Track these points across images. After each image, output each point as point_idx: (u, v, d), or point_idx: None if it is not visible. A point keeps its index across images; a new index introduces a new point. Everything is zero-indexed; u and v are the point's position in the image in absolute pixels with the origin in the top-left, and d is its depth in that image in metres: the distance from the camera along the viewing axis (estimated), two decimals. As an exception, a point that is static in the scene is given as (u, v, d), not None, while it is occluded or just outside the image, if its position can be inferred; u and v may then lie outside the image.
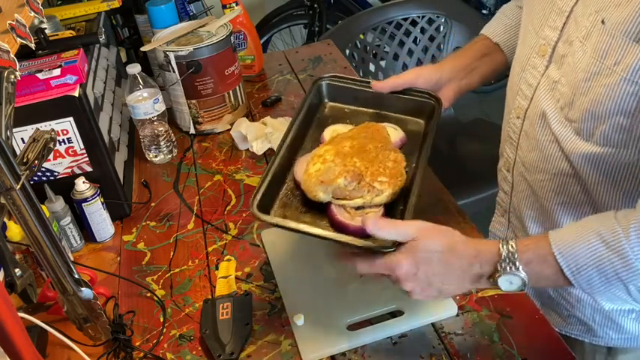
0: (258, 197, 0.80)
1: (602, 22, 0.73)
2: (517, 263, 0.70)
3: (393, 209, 0.82)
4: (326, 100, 1.01)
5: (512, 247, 0.71)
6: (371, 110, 1.00)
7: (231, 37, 1.35)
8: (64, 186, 1.06)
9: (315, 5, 2.78)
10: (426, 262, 0.73)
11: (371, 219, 0.73)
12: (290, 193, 0.86)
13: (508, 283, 0.71)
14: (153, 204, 1.19)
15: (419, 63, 2.03)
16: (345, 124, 0.96)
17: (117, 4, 1.35)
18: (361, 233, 0.76)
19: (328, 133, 0.94)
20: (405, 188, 0.82)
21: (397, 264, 0.73)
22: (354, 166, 0.80)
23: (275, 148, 1.26)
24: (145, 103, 1.25)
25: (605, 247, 0.68)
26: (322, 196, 0.80)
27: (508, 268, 0.71)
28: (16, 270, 0.68)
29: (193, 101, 1.35)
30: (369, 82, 0.99)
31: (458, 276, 0.74)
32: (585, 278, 0.69)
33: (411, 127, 0.97)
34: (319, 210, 0.82)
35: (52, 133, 0.75)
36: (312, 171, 0.81)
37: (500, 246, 0.72)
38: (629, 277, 0.68)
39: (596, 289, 0.70)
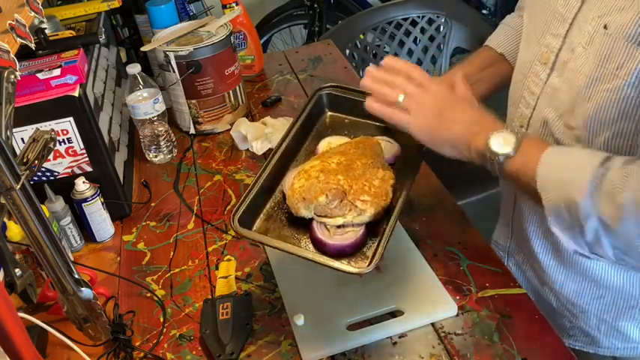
0: (241, 210, 0.80)
1: (605, 27, 0.72)
2: (516, 131, 0.75)
3: (376, 227, 0.82)
4: (326, 110, 1.01)
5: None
6: (371, 122, 0.99)
7: (231, 37, 1.35)
8: (64, 186, 1.06)
9: (315, 5, 2.78)
10: (437, 82, 0.82)
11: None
12: (277, 205, 0.86)
13: (499, 144, 0.75)
14: (153, 204, 1.19)
15: (419, 63, 2.03)
16: (342, 136, 0.96)
17: (117, 4, 1.35)
18: (339, 252, 0.77)
19: (323, 145, 0.93)
20: (390, 207, 0.82)
21: (413, 67, 0.83)
22: (337, 184, 0.80)
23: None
24: (145, 103, 1.25)
25: (589, 165, 0.70)
26: (304, 212, 0.81)
27: (506, 131, 0.75)
28: (16, 270, 0.68)
29: (193, 101, 1.36)
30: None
31: (465, 107, 0.81)
32: (550, 188, 0.72)
33: (409, 140, 0.96)
34: (303, 224, 0.82)
35: (52, 133, 0.75)
36: (297, 187, 0.81)
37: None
38: (585, 213, 0.69)
39: (553, 210, 0.72)
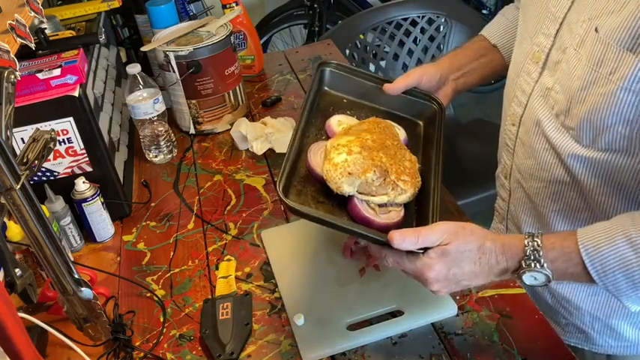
0: (282, 184, 0.74)
1: (596, 30, 0.72)
2: (542, 261, 0.70)
3: (408, 211, 0.81)
4: (326, 88, 0.99)
5: (537, 244, 0.70)
6: (369, 104, 0.98)
7: (231, 37, 1.35)
8: (64, 186, 1.06)
9: (315, 5, 2.78)
10: (457, 264, 0.72)
11: (396, 234, 0.71)
12: (303, 181, 0.81)
13: (532, 279, 0.71)
14: (153, 204, 1.19)
15: (419, 63, 2.03)
16: (348, 116, 0.95)
17: (117, 4, 1.35)
18: (385, 230, 0.73)
19: (334, 122, 0.91)
20: (419, 191, 0.81)
21: (428, 268, 0.72)
22: (381, 161, 0.78)
23: (275, 149, 1.26)
24: (145, 103, 1.25)
25: (632, 251, 0.66)
26: (347, 188, 0.77)
27: (532, 265, 0.70)
28: (16, 270, 0.68)
29: (193, 101, 1.35)
30: (371, 76, 0.98)
31: (485, 272, 0.73)
32: (612, 281, 0.68)
33: (410, 127, 0.96)
34: (335, 202, 0.79)
35: (52, 133, 0.75)
36: (339, 161, 0.77)
37: (526, 242, 0.71)
38: None
39: (623, 293, 0.69)
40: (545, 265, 0.70)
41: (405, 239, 0.71)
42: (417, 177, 0.81)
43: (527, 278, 0.71)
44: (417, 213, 0.81)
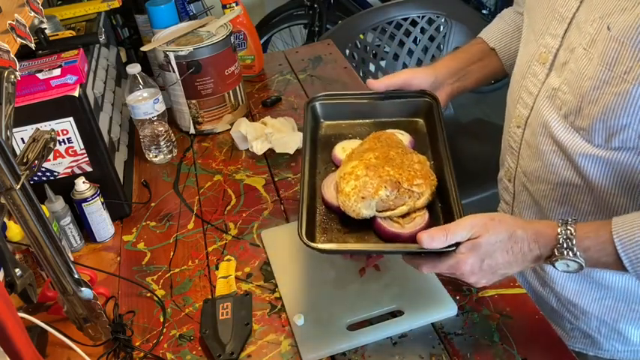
0: (304, 228, 0.77)
1: (608, 28, 0.71)
2: (575, 249, 0.70)
3: (433, 210, 0.82)
4: (322, 120, 1.00)
5: (570, 232, 0.70)
6: (367, 120, 0.99)
7: (231, 37, 1.35)
8: (64, 186, 1.06)
9: (315, 5, 2.78)
10: (489, 255, 0.72)
11: (424, 235, 0.71)
12: (326, 217, 0.84)
13: (565, 266, 0.72)
14: (153, 204, 1.19)
15: (419, 63, 2.03)
16: (349, 139, 0.95)
17: (117, 4, 1.35)
18: (415, 239, 0.74)
19: (339, 150, 0.92)
20: (438, 187, 0.82)
21: (462, 263, 0.72)
22: (389, 175, 0.79)
23: (275, 149, 1.26)
24: (145, 103, 1.25)
25: None
26: (365, 212, 0.79)
27: (565, 253, 0.70)
28: (16, 270, 0.68)
29: (193, 101, 1.35)
30: (360, 95, 0.99)
31: (519, 260, 0.74)
32: None
33: (411, 127, 0.97)
34: (361, 227, 0.81)
35: (52, 133, 0.75)
36: (349, 190, 0.79)
37: (559, 230, 0.71)
38: None
39: None
40: (577, 253, 0.70)
41: (434, 238, 0.71)
42: (431, 176, 0.82)
43: (560, 265, 0.71)
44: (442, 211, 0.82)
